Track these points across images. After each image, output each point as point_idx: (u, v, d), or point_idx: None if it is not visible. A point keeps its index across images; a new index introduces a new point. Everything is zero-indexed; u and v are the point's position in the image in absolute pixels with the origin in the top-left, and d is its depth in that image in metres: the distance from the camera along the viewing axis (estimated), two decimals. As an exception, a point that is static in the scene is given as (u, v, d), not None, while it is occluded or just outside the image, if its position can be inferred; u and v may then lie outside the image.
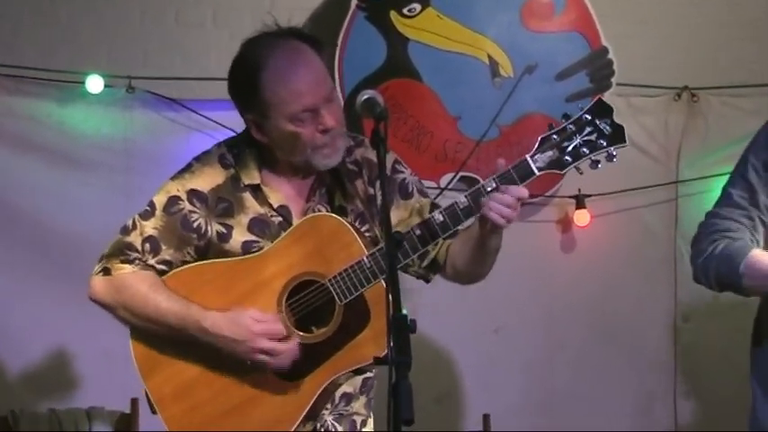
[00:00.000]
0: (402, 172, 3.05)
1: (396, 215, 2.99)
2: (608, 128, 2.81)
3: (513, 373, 4.77)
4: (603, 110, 2.81)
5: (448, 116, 4.73)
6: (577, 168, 2.84)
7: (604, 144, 2.81)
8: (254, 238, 2.95)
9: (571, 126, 2.82)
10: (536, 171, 2.81)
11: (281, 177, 3.00)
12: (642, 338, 4.86)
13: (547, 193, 4.75)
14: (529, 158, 2.82)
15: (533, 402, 4.79)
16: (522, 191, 2.78)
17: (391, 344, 2.35)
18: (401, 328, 2.38)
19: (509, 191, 2.77)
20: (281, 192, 2.98)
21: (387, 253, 2.58)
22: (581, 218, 4.79)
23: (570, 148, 2.82)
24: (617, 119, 2.82)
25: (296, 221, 2.95)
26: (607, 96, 4.59)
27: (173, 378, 2.93)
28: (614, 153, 2.82)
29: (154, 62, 4.63)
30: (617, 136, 2.81)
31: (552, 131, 2.83)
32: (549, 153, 2.82)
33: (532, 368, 4.80)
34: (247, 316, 2.86)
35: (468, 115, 4.73)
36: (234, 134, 3.13)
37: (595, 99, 2.86)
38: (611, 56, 4.71)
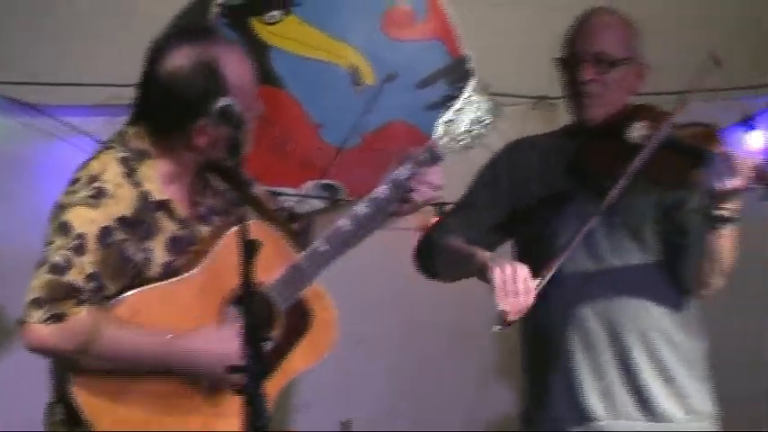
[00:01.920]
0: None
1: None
2: (486, 104, 3.15)
3: (374, 382, 4.78)
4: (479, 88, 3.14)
5: (310, 123, 4.72)
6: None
7: (486, 119, 3.14)
8: (172, 257, 2.86)
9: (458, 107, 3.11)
10: (442, 156, 3.09)
11: (173, 187, 2.90)
12: (504, 348, 4.90)
13: (408, 201, 4.77)
14: (436, 142, 3.07)
15: (395, 410, 4.80)
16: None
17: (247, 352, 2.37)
18: (255, 336, 2.40)
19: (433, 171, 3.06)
20: (179, 202, 2.90)
21: (242, 261, 2.50)
22: (442, 225, 4.82)
23: (463, 127, 3.13)
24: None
25: (200, 229, 2.91)
26: (467, 105, 4.72)
27: (127, 418, 2.79)
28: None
29: (10, 66, 4.54)
30: (496, 110, 3.16)
31: (444, 118, 3.10)
32: (445, 139, 3.10)
33: (394, 376, 4.81)
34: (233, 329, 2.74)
35: (330, 123, 4.73)
36: (102, 141, 3.00)
37: (469, 81, 3.18)
38: (471, 64, 4.75)
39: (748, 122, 4.37)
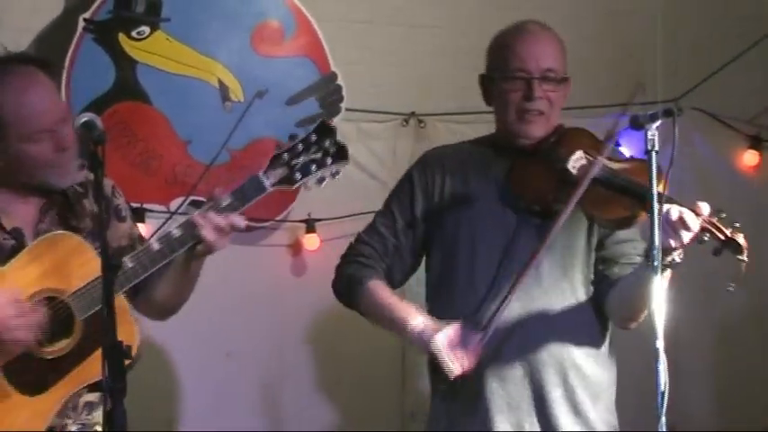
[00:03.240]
0: (118, 198, 3.20)
1: (111, 235, 3.07)
2: (332, 147, 3.02)
3: (244, 397, 4.75)
4: (327, 131, 3.04)
5: (178, 140, 4.68)
6: (305, 185, 3.05)
7: (329, 162, 3.03)
8: None
9: (299, 145, 3.01)
10: (268, 187, 3.00)
11: (12, 199, 3.02)
12: (371, 361, 4.92)
13: (278, 218, 4.76)
14: (261, 175, 3.00)
15: (266, 426, 4.78)
16: (237, 220, 2.99)
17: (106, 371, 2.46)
18: (116, 354, 2.48)
19: (228, 217, 2.98)
20: (13, 214, 3.01)
21: (103, 278, 2.61)
22: (311, 242, 4.83)
23: (299, 166, 3.01)
24: (341, 140, 3.06)
25: (30, 243, 2.98)
26: (337, 121, 4.74)
27: None
28: (338, 171, 3.06)
29: None
30: (340, 154, 3.04)
31: (283, 150, 3.01)
32: (280, 170, 3.02)
33: (264, 391, 4.79)
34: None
35: (198, 139, 4.70)
36: None
37: (319, 121, 3.08)
38: (340, 81, 4.77)
39: (612, 139, 4.45)
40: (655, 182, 2.79)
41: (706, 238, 3.00)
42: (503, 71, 3.26)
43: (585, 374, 3.25)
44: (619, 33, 5.14)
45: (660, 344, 2.67)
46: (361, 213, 4.78)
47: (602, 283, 3.26)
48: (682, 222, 2.95)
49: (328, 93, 4.77)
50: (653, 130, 2.80)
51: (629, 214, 3.10)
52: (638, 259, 3.21)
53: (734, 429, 5.05)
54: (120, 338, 2.53)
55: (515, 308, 3.18)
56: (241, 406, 4.75)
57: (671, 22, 5.20)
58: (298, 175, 3.01)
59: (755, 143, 5.20)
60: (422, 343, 3.15)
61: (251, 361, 4.77)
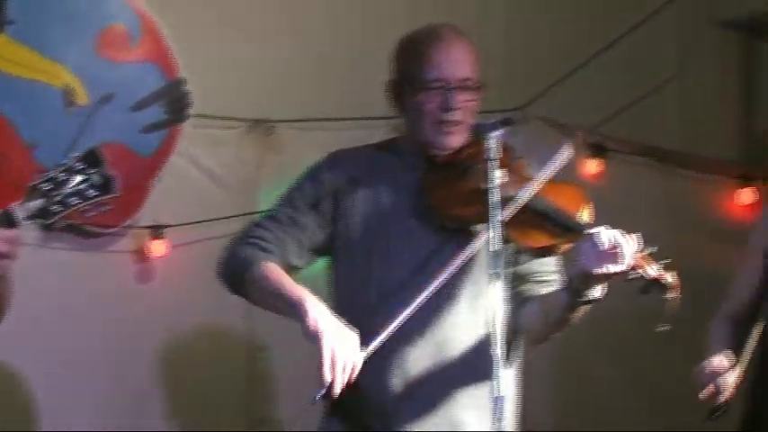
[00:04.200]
0: None
1: None
2: (99, 178, 2.77)
3: (88, 404, 4.69)
4: (95, 159, 2.79)
5: (22, 144, 4.60)
6: (65, 218, 2.79)
7: (94, 194, 2.78)
8: None
9: (60, 175, 2.77)
10: (20, 222, 2.74)
11: None
12: (218, 367, 4.89)
13: (123, 224, 4.71)
14: (16, 207, 2.75)
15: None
16: (7, 233, 2.72)
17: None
18: None
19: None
20: None
21: None
22: (158, 248, 4.79)
23: (60, 198, 2.75)
24: (109, 171, 2.79)
25: None
26: (185, 127, 4.71)
27: None
28: (104, 204, 2.80)
29: None
30: (108, 186, 2.78)
31: (41, 180, 2.76)
32: (38, 202, 2.76)
33: (109, 398, 4.73)
34: None
35: (44, 144, 4.62)
36: None
37: (87, 149, 2.83)
38: (187, 87, 4.74)
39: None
40: (496, 190, 2.81)
41: (633, 276, 2.91)
42: (418, 80, 3.13)
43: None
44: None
45: (498, 350, 2.70)
46: (211, 219, 4.78)
47: (513, 300, 3.16)
48: (614, 253, 2.87)
49: (175, 98, 4.73)
50: (493, 139, 2.82)
51: (554, 243, 3.00)
52: (549, 276, 3.18)
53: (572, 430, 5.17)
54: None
55: (416, 339, 3.08)
56: (82, 412, 4.67)
57: (515, 31, 5.29)
58: (56, 208, 2.74)
59: (598, 152, 5.32)
60: (313, 337, 2.89)
61: (93, 369, 4.70)
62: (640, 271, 2.92)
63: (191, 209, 4.74)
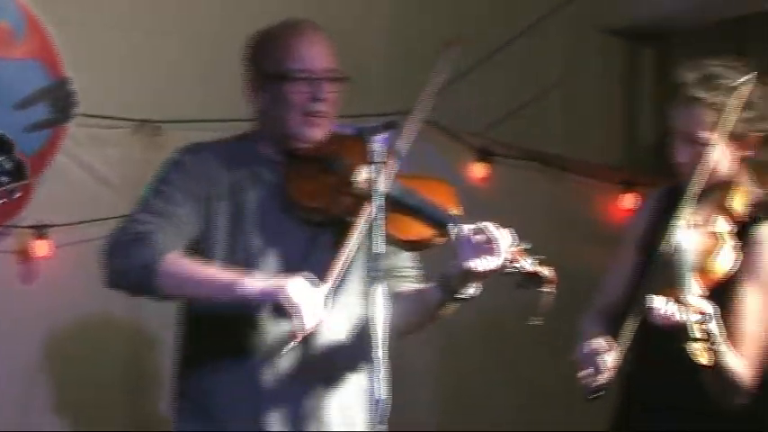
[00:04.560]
0: None
1: None
2: (10, 164, 2.75)
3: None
4: (4, 146, 2.74)
5: None
6: None
7: (7, 180, 2.75)
8: None
9: None
10: None
11: None
12: (105, 365, 4.86)
13: (6, 224, 4.64)
14: None
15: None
16: None
17: None
18: None
19: None
20: None
21: None
22: (41, 248, 4.72)
23: None
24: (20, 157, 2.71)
25: None
26: (71, 127, 4.66)
27: None
28: (14, 189, 2.76)
29: None
30: (20, 172, 2.74)
31: None
32: None
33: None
34: None
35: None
36: None
37: None
38: (72, 86, 4.68)
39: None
40: (380, 191, 2.82)
41: (510, 270, 2.96)
42: (284, 72, 3.12)
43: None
44: (353, 45, 5.22)
45: (380, 353, 2.71)
46: (94, 220, 4.72)
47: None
48: (489, 247, 2.92)
49: (60, 97, 4.66)
50: (377, 143, 2.84)
51: (426, 237, 3.03)
52: (408, 272, 3.22)
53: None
54: None
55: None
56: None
57: (400, 33, 5.32)
58: None
59: (484, 155, 5.38)
60: (271, 294, 2.86)
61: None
62: (517, 265, 2.97)
63: (76, 209, 4.68)
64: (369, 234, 2.87)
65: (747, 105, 3.11)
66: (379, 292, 2.78)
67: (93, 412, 4.84)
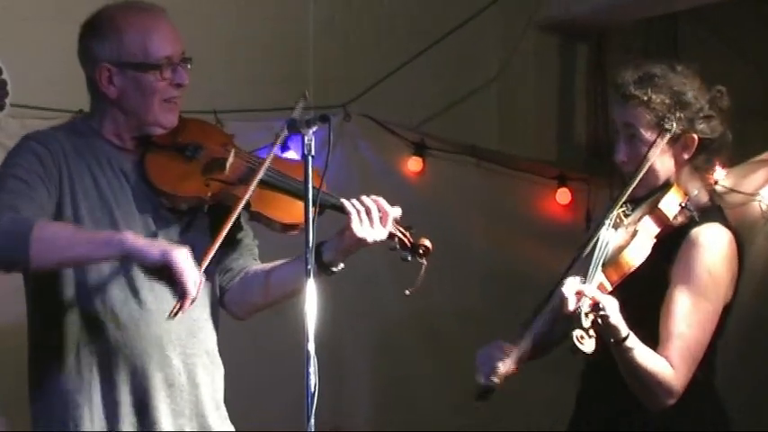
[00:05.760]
0: None
1: None
2: None
3: None
4: None
5: None
6: None
7: None
8: None
9: None
10: None
11: None
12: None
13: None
14: None
15: None
16: None
17: None
18: None
19: None
20: None
21: None
22: None
23: None
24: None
25: None
26: (2, 117, 4.61)
27: None
28: None
29: None
30: None
31: None
32: None
33: None
34: None
35: None
36: None
37: None
38: (4, 76, 4.63)
39: (284, 143, 4.47)
40: (311, 185, 2.82)
41: (394, 243, 3.07)
42: (143, 58, 3.02)
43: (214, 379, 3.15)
44: (288, 39, 5.23)
45: (311, 347, 2.71)
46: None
47: (226, 273, 3.20)
48: (371, 219, 3.02)
49: (-9, 88, 4.62)
50: (310, 135, 2.83)
51: (299, 220, 2.99)
52: (254, 249, 3.25)
53: (392, 429, 5.22)
54: None
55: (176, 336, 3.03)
56: None
57: (338, 27, 5.32)
58: None
59: (419, 150, 5.39)
60: (163, 257, 2.80)
61: None
62: (398, 237, 3.08)
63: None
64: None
65: (683, 105, 3.13)
66: (311, 283, 2.77)
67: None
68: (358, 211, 3.05)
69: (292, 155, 4.40)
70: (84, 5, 4.79)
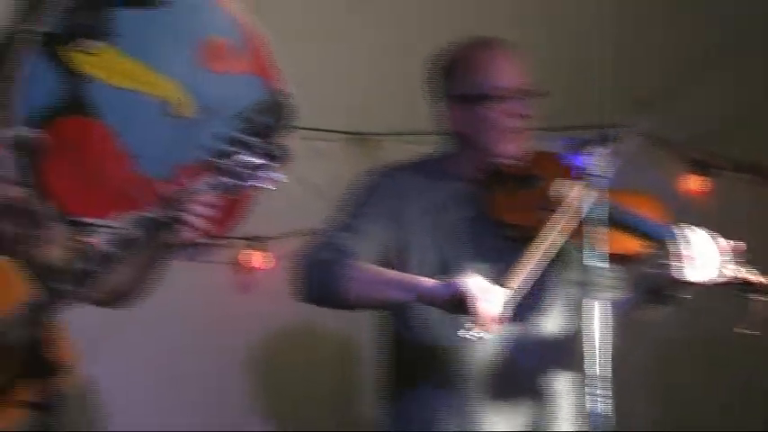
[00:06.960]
0: None
1: None
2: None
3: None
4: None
5: (124, 155, 4.65)
6: None
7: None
8: None
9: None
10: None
11: None
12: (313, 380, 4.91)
13: (224, 236, 4.73)
14: None
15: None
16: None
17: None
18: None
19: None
20: None
21: None
22: (256, 259, 4.86)
23: None
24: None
25: None
26: (290, 139, 4.73)
27: None
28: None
29: None
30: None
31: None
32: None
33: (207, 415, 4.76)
34: None
35: (146, 155, 4.67)
36: None
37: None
38: (290, 99, 4.75)
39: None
40: (597, 207, 2.79)
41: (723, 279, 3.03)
42: (483, 92, 3.18)
43: None
44: (570, 56, 5.17)
45: (597, 369, 2.67)
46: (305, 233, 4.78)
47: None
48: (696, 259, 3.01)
49: (278, 110, 4.73)
50: (597, 155, 2.80)
51: (637, 251, 3.05)
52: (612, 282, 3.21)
53: None
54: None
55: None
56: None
57: (625, 47, 5.24)
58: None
59: (701, 168, 5.24)
60: (450, 290, 2.91)
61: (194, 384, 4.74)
62: (728, 273, 3.03)
63: (291, 221, 4.75)
64: (567, 247, 2.99)
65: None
66: (595, 305, 2.74)
67: (301, 416, 4.91)
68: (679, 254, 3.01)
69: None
70: (353, 27, 4.93)
